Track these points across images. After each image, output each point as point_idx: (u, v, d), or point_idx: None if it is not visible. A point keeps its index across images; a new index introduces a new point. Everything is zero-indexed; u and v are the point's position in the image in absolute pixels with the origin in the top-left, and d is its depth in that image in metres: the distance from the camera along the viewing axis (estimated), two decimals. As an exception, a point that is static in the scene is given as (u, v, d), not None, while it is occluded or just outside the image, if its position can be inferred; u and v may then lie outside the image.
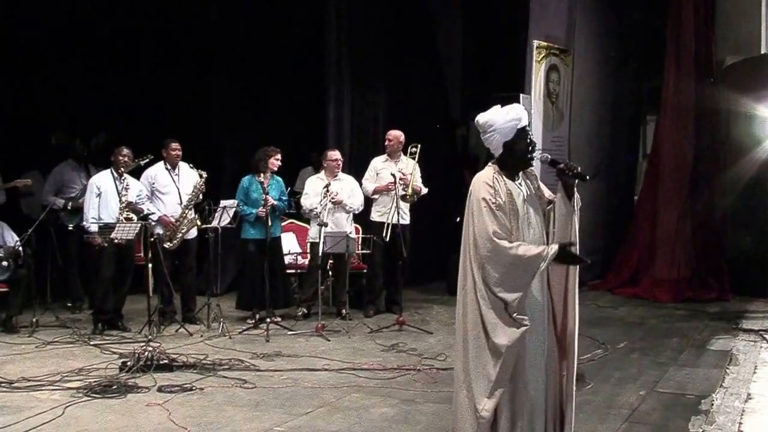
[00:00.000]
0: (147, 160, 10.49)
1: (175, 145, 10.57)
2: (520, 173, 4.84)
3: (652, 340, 9.87)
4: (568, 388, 4.81)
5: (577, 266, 4.75)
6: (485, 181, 4.69)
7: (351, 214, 11.13)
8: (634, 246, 13.95)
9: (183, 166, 10.65)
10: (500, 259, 4.53)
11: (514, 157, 4.77)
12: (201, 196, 10.57)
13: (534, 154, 4.83)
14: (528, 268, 4.54)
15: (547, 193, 4.92)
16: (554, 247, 4.57)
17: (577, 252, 4.69)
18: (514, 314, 4.54)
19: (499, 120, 4.74)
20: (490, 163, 4.83)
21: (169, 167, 10.60)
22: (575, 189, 4.71)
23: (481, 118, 4.81)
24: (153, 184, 10.53)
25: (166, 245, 10.29)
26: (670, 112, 13.59)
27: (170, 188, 10.53)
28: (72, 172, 11.42)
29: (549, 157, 4.86)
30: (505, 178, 4.72)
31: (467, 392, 4.67)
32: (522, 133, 4.75)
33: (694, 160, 13.44)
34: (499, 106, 4.83)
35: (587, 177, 4.73)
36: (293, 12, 13.18)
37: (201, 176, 10.51)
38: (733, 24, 13.72)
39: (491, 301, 4.57)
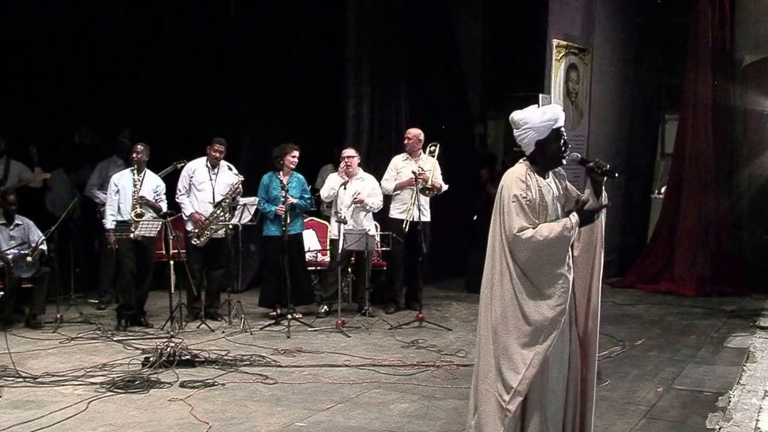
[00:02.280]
0: (183, 164, 10.66)
1: (219, 146, 10.61)
2: (550, 172, 4.90)
3: (670, 337, 9.90)
4: (589, 388, 4.86)
5: (603, 251, 4.83)
6: (518, 177, 4.73)
7: (370, 213, 11.18)
8: (658, 244, 13.97)
9: (223, 166, 10.69)
10: (527, 248, 4.58)
11: (546, 155, 4.81)
12: (238, 198, 10.54)
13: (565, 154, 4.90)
14: (560, 245, 4.61)
15: (576, 192, 4.96)
16: (574, 216, 4.66)
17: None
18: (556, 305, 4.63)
19: (534, 118, 4.78)
20: (521, 160, 4.88)
21: (209, 165, 10.69)
22: (603, 187, 4.79)
23: (516, 114, 4.86)
24: (191, 177, 10.64)
25: (194, 242, 10.41)
26: (691, 110, 13.57)
27: (205, 185, 10.61)
28: (116, 169, 11.46)
29: (579, 156, 4.95)
30: (536, 175, 4.79)
31: (493, 388, 4.71)
32: (556, 133, 4.79)
33: (713, 159, 13.43)
34: (536, 105, 4.89)
35: (616, 174, 4.82)
36: (313, 8, 13.20)
37: (239, 178, 10.55)
38: (752, 23, 13.69)
39: (524, 295, 4.64)
